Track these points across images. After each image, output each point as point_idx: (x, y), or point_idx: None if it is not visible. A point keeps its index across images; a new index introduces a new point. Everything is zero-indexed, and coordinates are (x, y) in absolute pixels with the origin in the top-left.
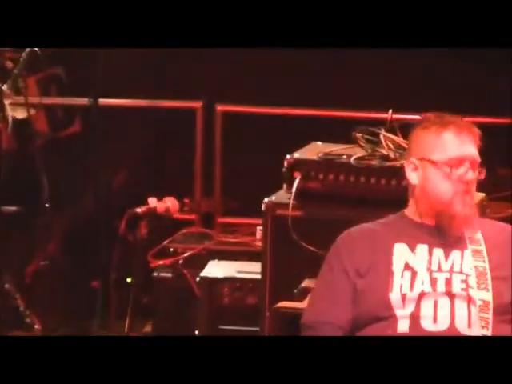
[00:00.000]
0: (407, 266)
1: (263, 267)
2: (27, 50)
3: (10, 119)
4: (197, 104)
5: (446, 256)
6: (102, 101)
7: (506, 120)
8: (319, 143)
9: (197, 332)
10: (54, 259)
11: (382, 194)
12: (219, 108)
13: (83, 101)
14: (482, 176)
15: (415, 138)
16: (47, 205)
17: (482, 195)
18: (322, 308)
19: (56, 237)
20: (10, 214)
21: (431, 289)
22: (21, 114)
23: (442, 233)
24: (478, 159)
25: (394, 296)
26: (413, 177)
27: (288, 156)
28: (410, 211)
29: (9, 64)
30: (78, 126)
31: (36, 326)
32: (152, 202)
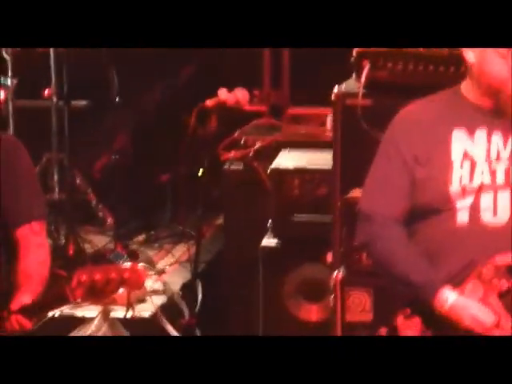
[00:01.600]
0: (466, 155)
1: (334, 157)
2: None
3: None
4: None
5: (505, 142)
6: None
7: None
8: None
9: (269, 223)
10: (124, 153)
11: (451, 82)
12: None
13: None
14: None
15: None
16: (117, 99)
17: None
18: (378, 198)
19: (125, 131)
20: (80, 109)
21: (490, 180)
22: None
23: (499, 114)
24: None
25: (454, 188)
26: (470, 55)
27: (357, 48)
28: (466, 89)
29: None
30: None
31: (108, 220)
32: (222, 93)
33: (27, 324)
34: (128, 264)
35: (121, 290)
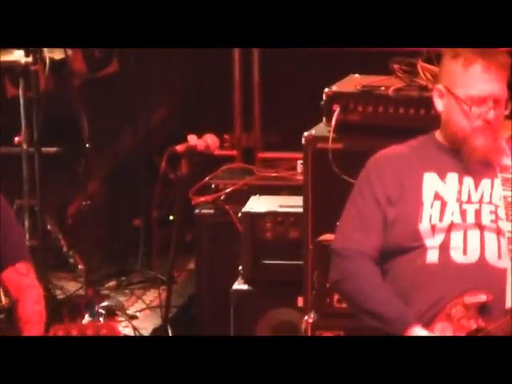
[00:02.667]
0: (437, 196)
1: (305, 201)
2: None
3: (47, 60)
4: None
5: (476, 185)
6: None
7: None
8: (357, 75)
9: (240, 267)
10: (95, 199)
11: (421, 125)
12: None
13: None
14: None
15: (444, 65)
16: (87, 145)
17: None
18: (352, 235)
19: (96, 177)
20: (51, 155)
21: (461, 220)
22: (58, 54)
23: (467, 160)
24: (505, 96)
25: (424, 226)
26: (438, 103)
27: (326, 89)
28: (440, 135)
29: None
30: (115, 66)
31: (80, 266)
32: (192, 139)
33: None
34: (103, 320)
35: None
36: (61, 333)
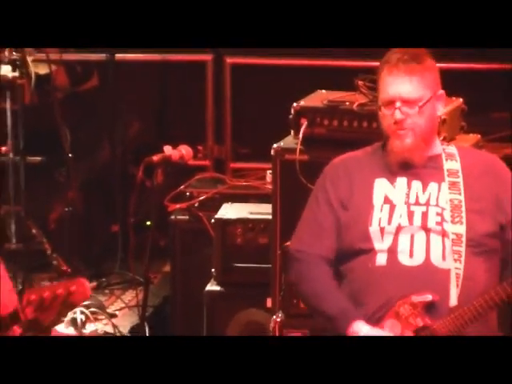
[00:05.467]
0: (387, 200)
1: (274, 208)
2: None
3: (32, 75)
4: (207, 57)
5: (424, 189)
6: (118, 56)
7: (503, 66)
8: (323, 91)
9: (213, 270)
10: (75, 206)
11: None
12: (228, 60)
13: (100, 56)
14: (439, 108)
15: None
16: (70, 155)
17: (477, 136)
18: (307, 238)
19: (76, 185)
20: (34, 165)
21: (408, 222)
22: (42, 69)
23: (387, 162)
24: (413, 95)
25: (373, 229)
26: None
27: (294, 104)
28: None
29: None
30: (95, 81)
31: (63, 268)
32: (167, 149)
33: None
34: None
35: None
36: (33, 296)
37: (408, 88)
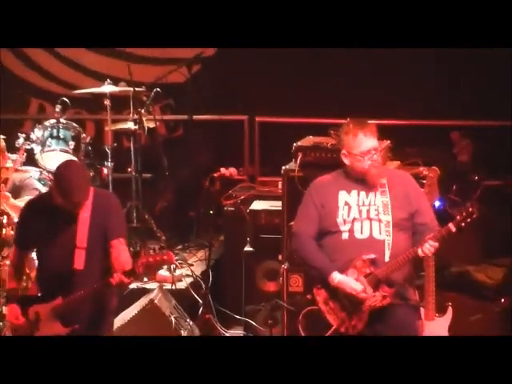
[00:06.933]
0: (346, 203)
1: (283, 203)
2: (154, 90)
3: (145, 128)
4: (244, 117)
5: (367, 196)
6: (195, 117)
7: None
8: (311, 136)
9: (248, 239)
10: (170, 202)
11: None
12: (257, 119)
13: (183, 117)
14: (381, 152)
15: (342, 138)
16: (167, 173)
17: (397, 163)
18: (301, 224)
19: (171, 190)
20: (146, 179)
21: (359, 216)
22: (151, 124)
23: (365, 182)
24: (379, 147)
25: (339, 220)
26: (345, 161)
27: (295, 144)
28: (346, 170)
29: (144, 98)
30: (180, 131)
31: (163, 238)
32: (222, 170)
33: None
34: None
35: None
36: (144, 260)
37: (375, 143)
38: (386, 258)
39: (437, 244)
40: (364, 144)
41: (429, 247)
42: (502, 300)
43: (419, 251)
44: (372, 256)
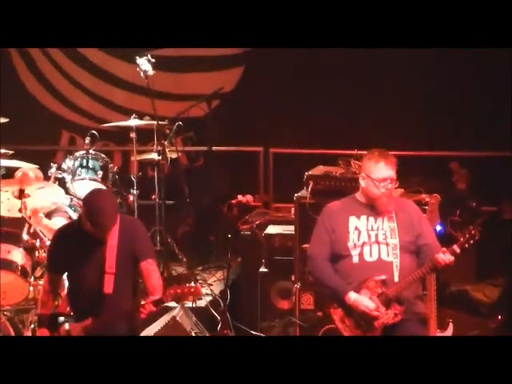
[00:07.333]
0: (356, 228)
1: (295, 228)
2: (177, 123)
3: (168, 158)
4: (259, 148)
5: (375, 221)
6: (214, 148)
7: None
8: (321, 166)
9: (263, 260)
10: (191, 227)
11: (352, 191)
12: (271, 150)
13: (203, 148)
14: (396, 184)
15: (364, 162)
16: (188, 200)
17: (401, 190)
18: (315, 247)
19: (192, 215)
20: (169, 205)
21: (368, 240)
22: (173, 155)
23: (373, 208)
24: (395, 177)
25: (350, 244)
26: (362, 183)
27: (306, 173)
28: (359, 196)
29: (167, 131)
30: (201, 162)
31: (184, 260)
32: (239, 197)
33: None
34: (193, 284)
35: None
36: (172, 291)
37: (393, 173)
38: (396, 279)
39: (453, 258)
40: (383, 172)
41: (442, 256)
42: (499, 317)
43: (437, 257)
44: (383, 277)
